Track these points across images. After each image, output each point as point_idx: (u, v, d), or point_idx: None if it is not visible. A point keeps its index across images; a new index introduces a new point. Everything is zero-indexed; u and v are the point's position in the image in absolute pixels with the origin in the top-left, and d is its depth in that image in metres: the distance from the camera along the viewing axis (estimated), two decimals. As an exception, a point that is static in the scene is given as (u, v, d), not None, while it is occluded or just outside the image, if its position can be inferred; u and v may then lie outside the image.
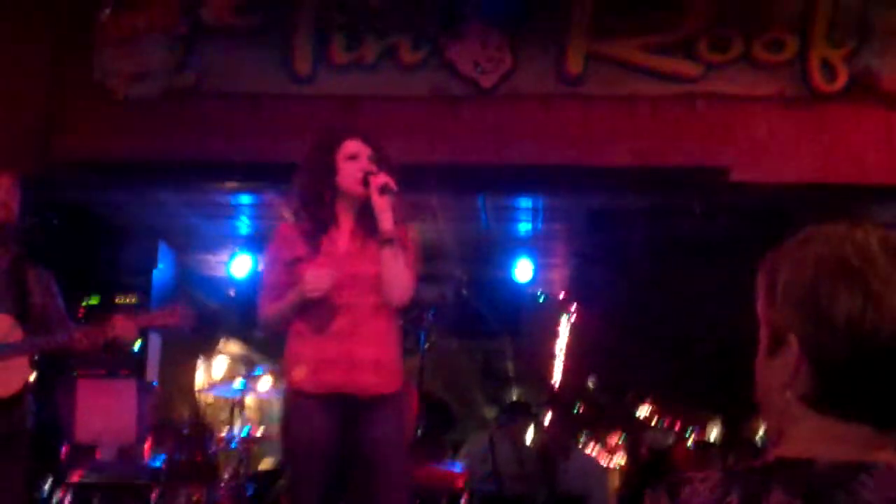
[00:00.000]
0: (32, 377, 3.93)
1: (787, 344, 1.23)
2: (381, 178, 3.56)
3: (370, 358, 3.56)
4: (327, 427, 3.56)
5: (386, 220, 3.53)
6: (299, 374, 3.62)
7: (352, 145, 3.67)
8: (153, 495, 5.06)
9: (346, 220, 3.68)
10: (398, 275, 3.54)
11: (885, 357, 1.18)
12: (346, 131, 3.76)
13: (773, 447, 1.25)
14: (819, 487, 1.14)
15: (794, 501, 1.13)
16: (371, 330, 3.57)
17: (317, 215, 3.65)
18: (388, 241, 3.53)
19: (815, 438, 1.22)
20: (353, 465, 3.62)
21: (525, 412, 8.06)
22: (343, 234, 3.68)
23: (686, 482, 1.21)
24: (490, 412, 8.09)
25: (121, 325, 3.85)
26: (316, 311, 3.58)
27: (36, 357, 4.00)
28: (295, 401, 3.64)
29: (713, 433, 16.49)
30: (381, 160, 3.67)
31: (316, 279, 3.50)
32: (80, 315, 6.53)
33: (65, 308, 4.08)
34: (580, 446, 10.54)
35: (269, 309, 3.68)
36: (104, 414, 6.31)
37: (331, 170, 3.64)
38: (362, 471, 3.61)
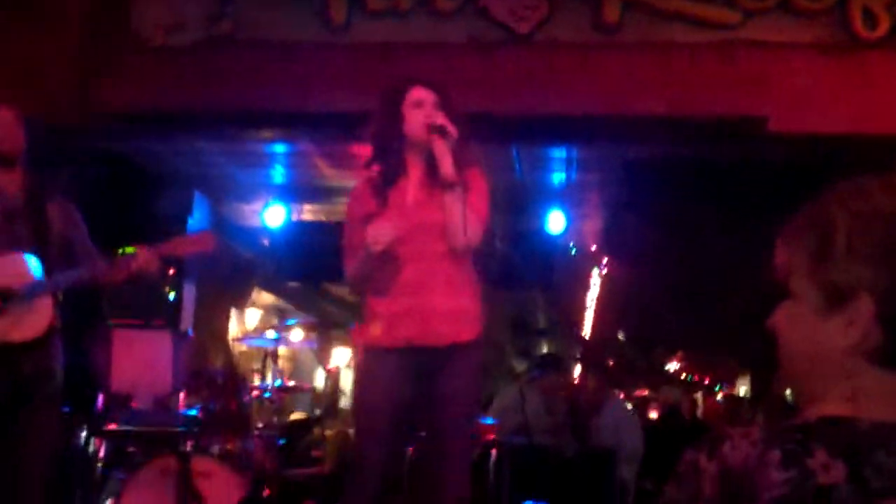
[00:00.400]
0: (59, 321, 3.77)
1: (854, 301, 1.19)
2: (439, 120, 3.53)
3: (443, 306, 3.55)
4: (401, 381, 3.58)
5: (445, 165, 3.50)
6: (375, 329, 3.64)
7: (417, 92, 3.65)
8: (188, 444, 5.11)
9: (415, 170, 3.67)
10: (461, 219, 3.50)
11: None
12: (412, 79, 3.73)
13: (814, 406, 1.22)
14: (860, 447, 1.13)
15: (836, 461, 1.12)
16: (442, 278, 3.56)
17: (386, 165, 3.65)
18: (450, 185, 3.50)
19: (867, 396, 1.19)
20: (424, 413, 3.66)
21: (555, 365, 8.08)
22: (412, 184, 3.66)
23: (726, 438, 1.19)
24: (520, 365, 8.09)
25: (143, 257, 3.75)
26: (388, 264, 3.59)
27: (60, 296, 3.82)
28: (371, 356, 3.67)
29: (742, 388, 16.49)
30: (448, 107, 3.64)
31: (377, 232, 3.48)
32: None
33: (89, 239, 3.96)
34: (611, 400, 10.54)
35: (350, 269, 3.70)
36: (139, 364, 6.38)
37: (397, 118, 3.63)
38: (433, 420, 3.64)
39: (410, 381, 3.59)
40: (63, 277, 3.75)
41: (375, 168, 3.72)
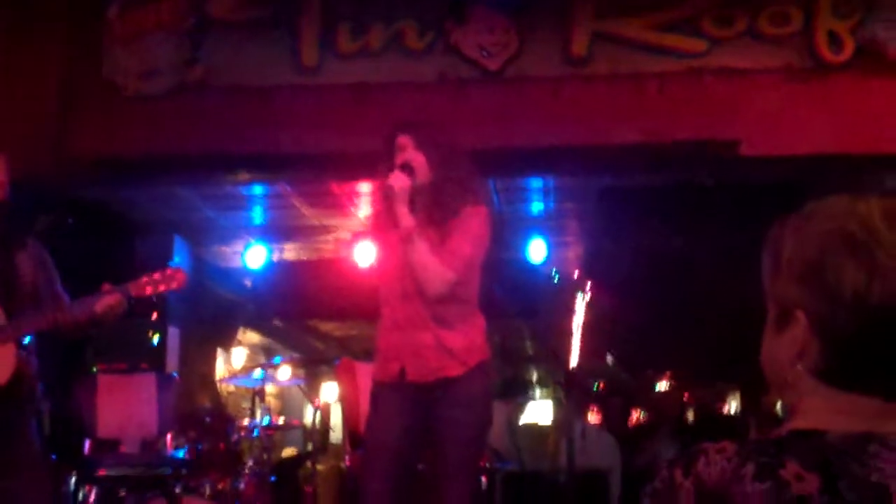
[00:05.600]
0: (30, 368, 3.71)
1: (795, 319, 1.24)
2: (391, 178, 3.62)
3: (431, 343, 3.61)
4: (400, 415, 3.65)
5: (400, 215, 3.58)
6: (376, 363, 3.76)
7: (399, 139, 3.74)
8: (178, 486, 5.12)
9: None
10: (423, 268, 3.58)
11: (893, 329, 1.19)
12: (399, 125, 3.82)
13: (788, 420, 1.26)
14: (833, 459, 1.15)
15: (810, 473, 1.13)
16: (430, 315, 3.62)
17: (388, 208, 3.70)
18: (406, 237, 3.59)
19: (826, 411, 1.22)
20: (424, 447, 3.75)
21: (524, 390, 8.09)
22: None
23: (701, 453, 1.21)
24: (502, 392, 8.17)
25: (108, 297, 3.71)
26: (386, 301, 3.72)
27: (26, 341, 3.72)
28: (375, 391, 3.76)
29: (732, 405, 16.50)
30: (430, 145, 3.71)
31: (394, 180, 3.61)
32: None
33: (59, 283, 3.91)
34: (599, 423, 10.54)
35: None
36: (125, 408, 6.36)
37: (389, 165, 3.71)
38: (431, 453, 3.74)
39: (411, 415, 3.65)
40: (25, 323, 3.68)
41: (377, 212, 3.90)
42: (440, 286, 3.59)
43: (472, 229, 3.69)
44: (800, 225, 1.28)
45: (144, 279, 3.83)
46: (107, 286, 3.77)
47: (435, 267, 3.58)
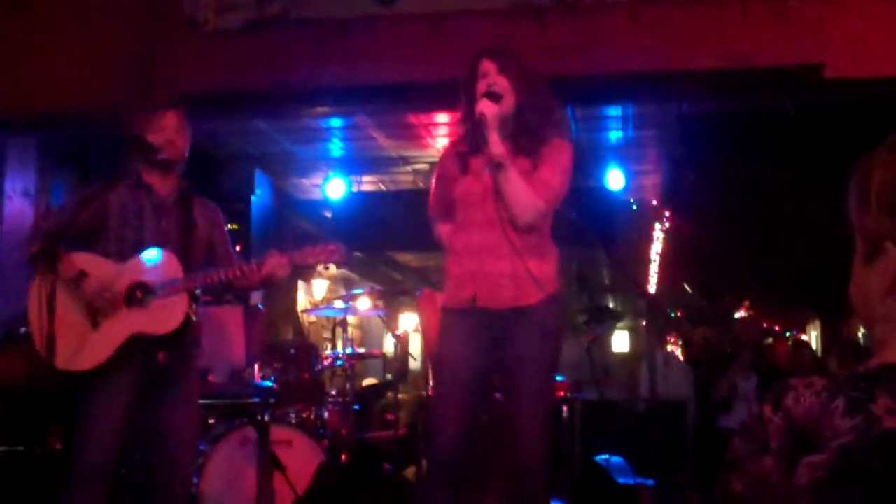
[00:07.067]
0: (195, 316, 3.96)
1: (885, 251, 1.23)
2: (479, 105, 3.56)
3: (505, 271, 3.59)
4: (473, 341, 3.64)
5: (491, 143, 3.52)
6: (447, 289, 3.74)
7: (482, 65, 3.69)
8: (265, 414, 5.24)
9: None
10: (516, 196, 3.53)
11: None
12: (481, 52, 3.76)
13: (877, 354, 1.25)
14: None
15: None
16: (507, 243, 3.58)
17: (471, 136, 3.69)
18: (497, 166, 3.53)
19: None
20: (499, 376, 3.73)
21: (613, 318, 8.09)
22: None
23: (790, 388, 1.22)
24: (584, 320, 8.15)
25: (274, 262, 3.95)
26: (462, 227, 3.70)
27: (198, 292, 3.99)
28: (443, 316, 3.76)
29: (813, 335, 16.31)
30: (514, 72, 3.67)
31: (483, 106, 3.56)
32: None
33: (230, 242, 4.19)
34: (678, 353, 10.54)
35: (435, 226, 3.88)
36: (214, 339, 6.51)
37: (471, 94, 3.66)
38: (507, 383, 3.71)
39: (482, 342, 3.64)
40: (200, 277, 3.90)
41: (461, 137, 3.83)
42: (532, 215, 3.57)
43: (561, 161, 3.67)
44: (889, 155, 1.26)
45: (308, 250, 4.05)
46: (274, 253, 4.00)
47: (528, 195, 3.55)
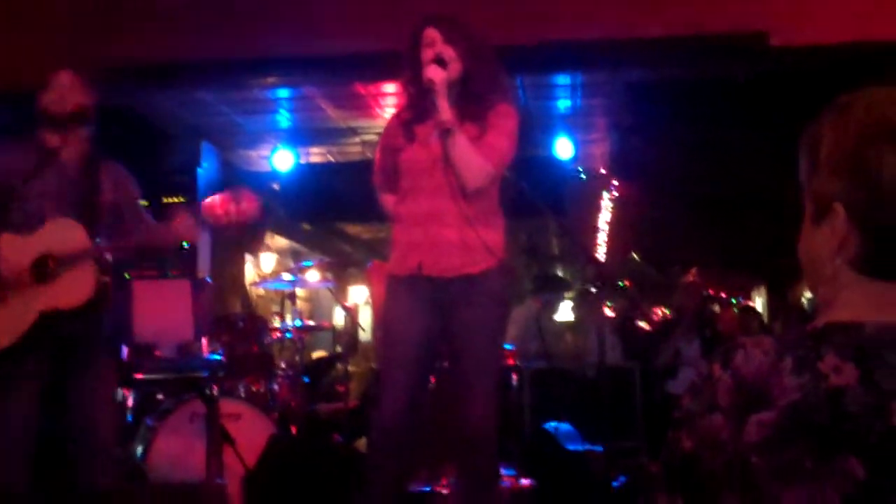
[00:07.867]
0: (105, 284, 3.81)
1: (833, 212, 1.24)
2: (428, 71, 3.56)
3: (453, 239, 3.60)
4: (419, 310, 3.64)
5: (441, 109, 3.53)
6: (393, 257, 3.74)
7: (427, 32, 3.67)
8: (214, 388, 5.20)
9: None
10: (465, 161, 3.55)
11: None
12: (425, 19, 3.74)
13: (823, 314, 1.26)
14: (870, 350, 1.15)
15: (846, 363, 1.14)
16: (455, 210, 3.59)
17: (415, 106, 3.70)
18: (446, 132, 3.55)
19: (865, 303, 1.23)
20: (446, 344, 3.72)
21: (560, 286, 8.13)
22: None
23: (739, 347, 1.22)
24: (532, 289, 8.21)
25: (181, 221, 3.87)
26: (408, 195, 3.69)
27: (109, 259, 3.85)
28: (389, 283, 3.75)
29: (759, 301, 16.53)
30: (459, 40, 3.66)
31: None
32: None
33: (139, 204, 4.04)
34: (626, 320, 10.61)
35: (380, 195, 3.87)
36: (160, 313, 6.43)
37: (416, 62, 3.66)
38: (454, 351, 3.71)
39: (428, 309, 3.64)
40: (107, 246, 3.80)
41: (406, 106, 3.81)
42: (482, 179, 3.58)
43: (508, 126, 3.67)
44: (837, 118, 1.27)
45: (213, 200, 3.85)
46: (181, 210, 3.91)
47: (476, 160, 3.56)
